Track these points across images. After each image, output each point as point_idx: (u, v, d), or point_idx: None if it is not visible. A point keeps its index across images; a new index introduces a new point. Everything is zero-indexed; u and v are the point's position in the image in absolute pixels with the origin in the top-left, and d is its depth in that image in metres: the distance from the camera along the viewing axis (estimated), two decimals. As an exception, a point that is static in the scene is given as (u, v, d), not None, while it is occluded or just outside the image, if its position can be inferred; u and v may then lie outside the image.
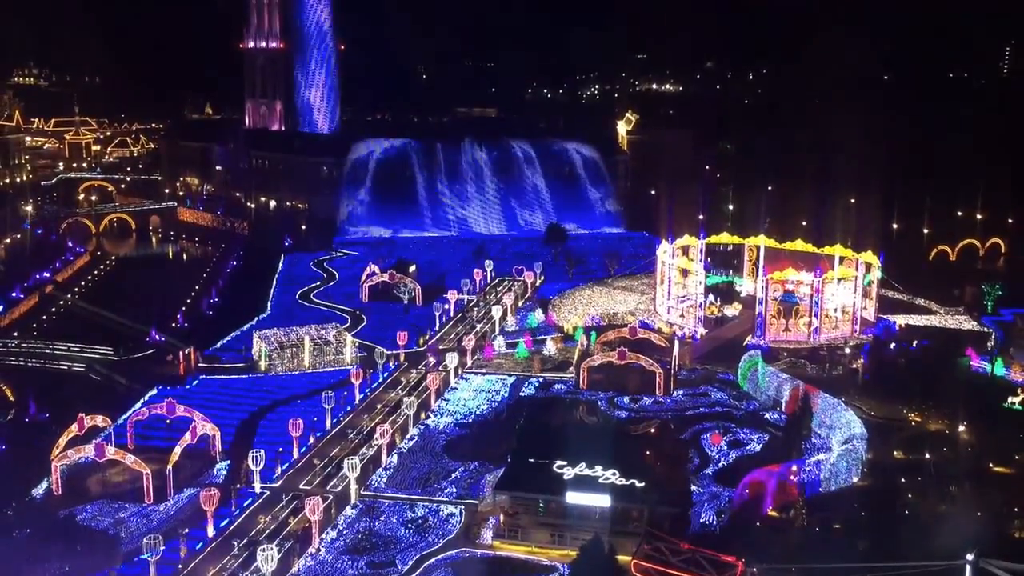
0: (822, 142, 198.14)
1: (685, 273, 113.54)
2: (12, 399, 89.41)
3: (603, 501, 62.91)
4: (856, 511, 66.31)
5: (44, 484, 70.25)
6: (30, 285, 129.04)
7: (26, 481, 70.48)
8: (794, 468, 69.02)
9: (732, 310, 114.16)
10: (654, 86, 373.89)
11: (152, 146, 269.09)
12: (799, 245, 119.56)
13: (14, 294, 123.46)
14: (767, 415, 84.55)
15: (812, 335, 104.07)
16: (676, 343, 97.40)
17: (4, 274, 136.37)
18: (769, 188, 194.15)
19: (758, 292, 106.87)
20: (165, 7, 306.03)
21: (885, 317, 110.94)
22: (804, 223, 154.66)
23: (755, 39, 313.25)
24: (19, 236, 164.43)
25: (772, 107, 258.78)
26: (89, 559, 59.46)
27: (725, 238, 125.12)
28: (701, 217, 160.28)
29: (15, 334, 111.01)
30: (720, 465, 73.91)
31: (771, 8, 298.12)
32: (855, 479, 71.22)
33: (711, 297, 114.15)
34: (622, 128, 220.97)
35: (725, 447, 77.01)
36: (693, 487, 69.24)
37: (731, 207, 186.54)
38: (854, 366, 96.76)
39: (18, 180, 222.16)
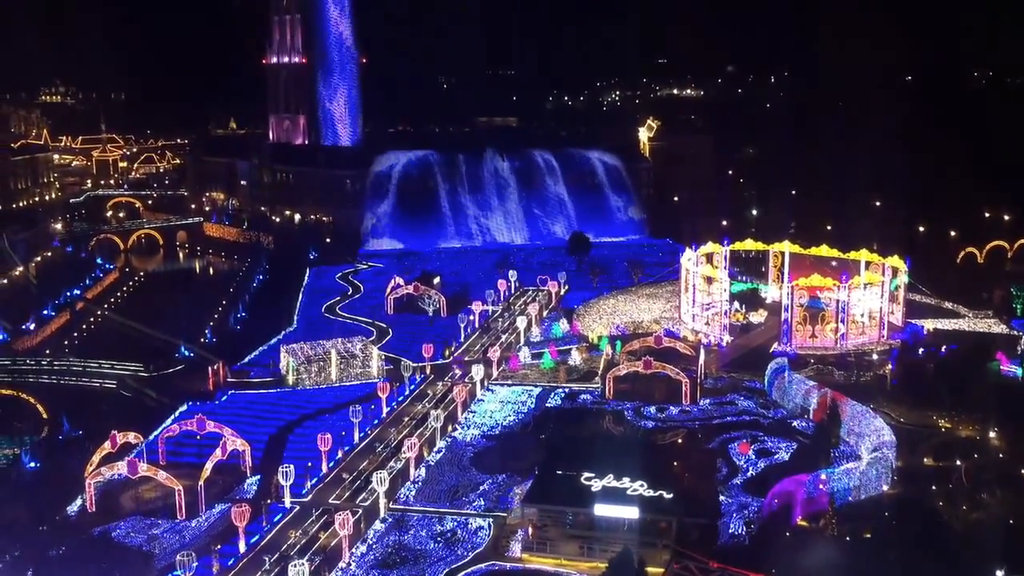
0: (845, 145, 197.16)
1: (710, 280, 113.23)
2: (45, 417, 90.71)
3: (631, 513, 62.78)
4: (887, 520, 65.80)
5: (78, 501, 71.12)
6: (61, 302, 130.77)
7: (61, 498, 71.44)
8: (823, 477, 68.66)
9: (758, 317, 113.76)
10: (675, 91, 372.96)
11: (178, 162, 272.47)
12: (824, 250, 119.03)
13: (45, 312, 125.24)
14: (795, 423, 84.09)
15: (839, 341, 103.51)
16: (702, 351, 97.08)
17: (35, 292, 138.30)
18: (793, 193, 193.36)
19: (783, 298, 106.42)
20: (189, 24, 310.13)
21: (913, 322, 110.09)
22: (829, 228, 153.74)
23: (776, 42, 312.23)
24: (49, 254, 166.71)
25: (794, 111, 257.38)
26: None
27: (749, 244, 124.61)
28: (725, 223, 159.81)
29: (47, 351, 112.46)
30: (748, 474, 73.59)
31: (792, 10, 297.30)
32: (885, 487, 70.58)
33: (736, 304, 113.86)
34: (644, 135, 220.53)
35: (753, 456, 76.68)
36: (721, 497, 68.99)
37: (755, 213, 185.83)
38: (882, 372, 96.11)
39: (47, 198, 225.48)
